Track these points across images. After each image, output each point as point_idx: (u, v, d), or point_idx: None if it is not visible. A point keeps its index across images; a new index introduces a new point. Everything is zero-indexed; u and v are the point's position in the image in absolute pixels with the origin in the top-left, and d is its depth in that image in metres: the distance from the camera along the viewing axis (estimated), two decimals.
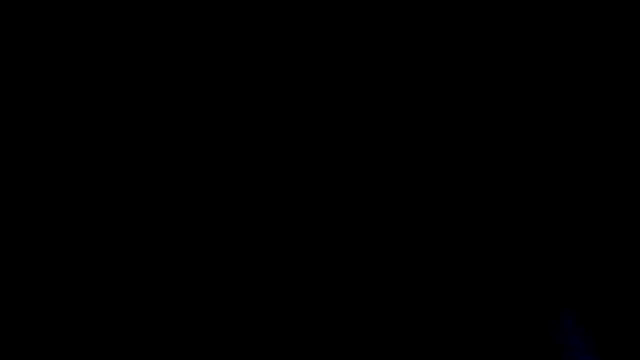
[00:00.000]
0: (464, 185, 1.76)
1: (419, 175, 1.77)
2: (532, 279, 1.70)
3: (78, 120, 1.73)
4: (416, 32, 1.78)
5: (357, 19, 1.77)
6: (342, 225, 1.76)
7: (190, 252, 1.74)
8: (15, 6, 1.68)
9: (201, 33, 1.76)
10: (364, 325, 1.70)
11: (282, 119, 1.78)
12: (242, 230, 1.75)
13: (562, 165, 1.76)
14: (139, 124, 1.75)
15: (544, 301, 1.67)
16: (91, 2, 1.71)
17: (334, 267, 1.75)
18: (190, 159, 1.76)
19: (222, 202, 1.76)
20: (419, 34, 1.78)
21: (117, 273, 1.71)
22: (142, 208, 1.74)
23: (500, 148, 1.77)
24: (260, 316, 1.72)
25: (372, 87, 1.78)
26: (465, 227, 1.74)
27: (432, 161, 1.78)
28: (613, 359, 1.59)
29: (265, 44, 1.77)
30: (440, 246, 1.74)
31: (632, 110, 1.73)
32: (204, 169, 1.76)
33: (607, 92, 1.75)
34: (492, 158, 1.77)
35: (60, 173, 1.72)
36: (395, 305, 1.70)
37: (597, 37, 1.75)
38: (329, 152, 1.78)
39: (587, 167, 1.75)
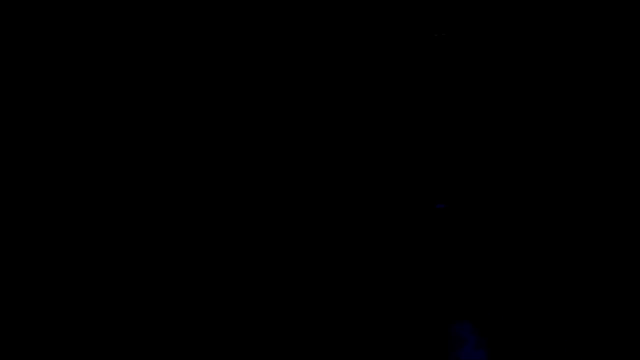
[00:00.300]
0: (357, 189, 1.77)
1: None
2: (430, 291, 1.72)
3: (78, 120, 1.73)
4: (416, 32, 1.78)
5: (357, 19, 1.77)
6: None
7: (190, 252, 1.75)
8: (15, 6, 1.68)
9: (201, 33, 1.76)
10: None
11: (282, 119, 1.78)
12: (241, 229, 1.76)
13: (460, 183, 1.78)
14: (139, 123, 1.75)
15: (440, 312, 1.69)
16: (91, 2, 1.71)
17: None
18: (190, 159, 1.76)
19: (222, 201, 1.76)
20: (419, 34, 1.78)
21: (117, 273, 1.72)
22: (142, 208, 1.74)
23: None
24: (259, 316, 1.72)
25: (371, 87, 1.79)
26: (363, 236, 1.75)
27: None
28: None
29: (265, 44, 1.77)
30: (342, 255, 1.75)
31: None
32: (204, 169, 1.76)
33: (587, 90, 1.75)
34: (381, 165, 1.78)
35: (61, 173, 1.72)
36: (288, 308, 1.71)
37: (597, 37, 1.75)
38: (327, 152, 1.78)
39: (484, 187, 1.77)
